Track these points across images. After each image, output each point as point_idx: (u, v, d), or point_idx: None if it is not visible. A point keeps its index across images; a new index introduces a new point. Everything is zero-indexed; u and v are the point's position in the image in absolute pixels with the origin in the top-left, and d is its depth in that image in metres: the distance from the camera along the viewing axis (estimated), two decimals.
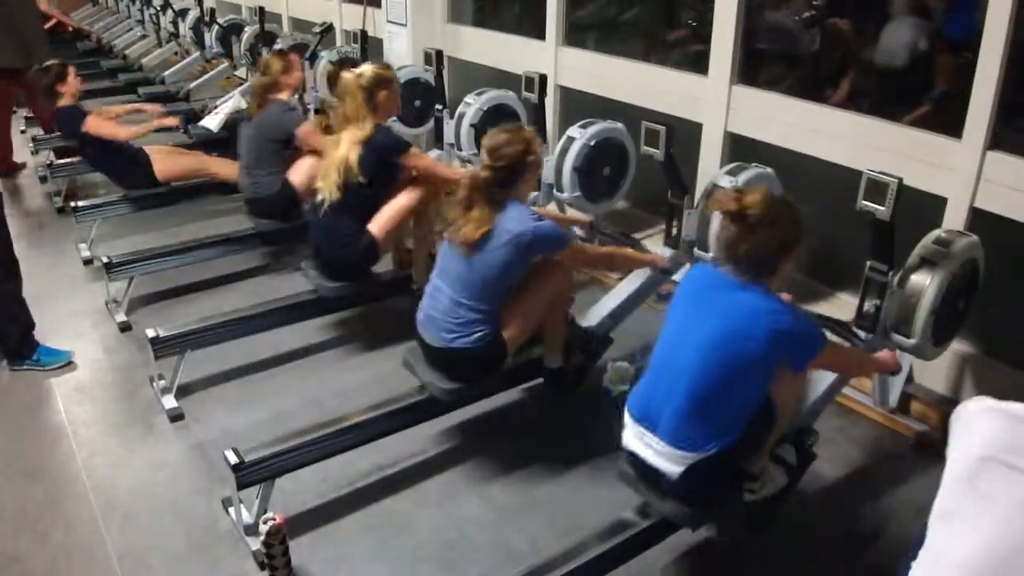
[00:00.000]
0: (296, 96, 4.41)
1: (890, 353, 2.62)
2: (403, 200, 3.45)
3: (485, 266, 2.61)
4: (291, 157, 4.13)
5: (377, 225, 3.39)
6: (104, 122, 4.71)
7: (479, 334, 2.65)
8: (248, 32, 6.66)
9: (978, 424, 1.32)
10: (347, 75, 3.37)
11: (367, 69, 3.40)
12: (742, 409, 2.11)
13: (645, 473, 2.22)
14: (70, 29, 7.99)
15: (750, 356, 2.05)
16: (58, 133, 6.03)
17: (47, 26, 6.09)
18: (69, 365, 3.45)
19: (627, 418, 2.25)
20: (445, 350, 2.69)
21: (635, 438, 2.22)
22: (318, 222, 3.40)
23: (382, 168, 3.34)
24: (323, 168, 3.39)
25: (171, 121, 5.19)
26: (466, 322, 2.65)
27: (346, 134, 3.33)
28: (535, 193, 4.16)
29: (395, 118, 5.02)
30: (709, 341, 2.08)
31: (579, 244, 2.93)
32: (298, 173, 4.05)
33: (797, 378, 2.26)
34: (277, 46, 6.27)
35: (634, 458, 2.23)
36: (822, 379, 2.73)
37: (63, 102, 4.79)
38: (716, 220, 3.23)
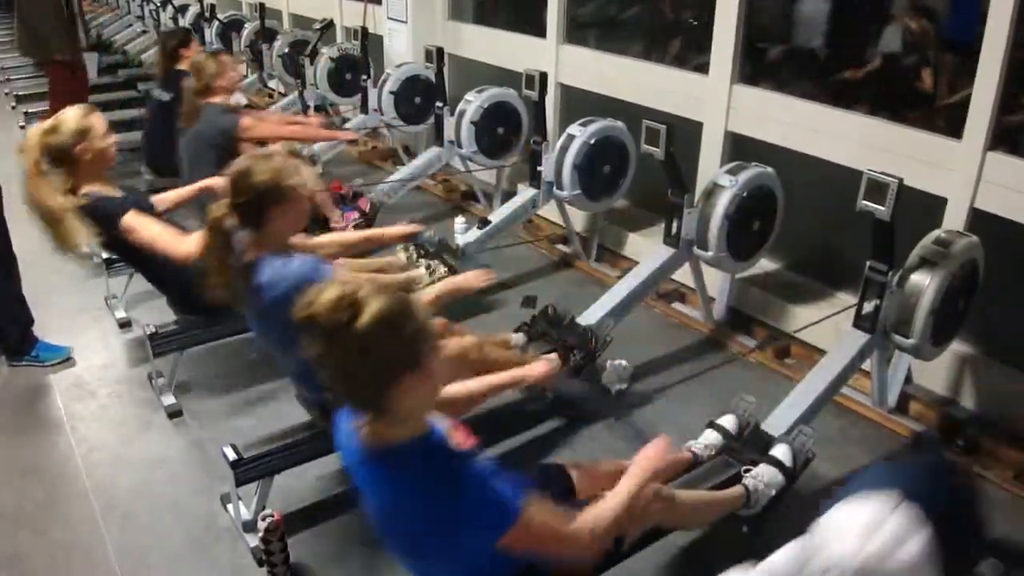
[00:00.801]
0: (233, 99, 4.04)
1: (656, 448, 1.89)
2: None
3: (276, 334, 2.33)
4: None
5: None
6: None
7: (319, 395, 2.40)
8: (248, 28, 6.66)
9: None
10: (30, 133, 2.92)
11: (61, 124, 2.90)
12: None
13: None
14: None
15: (428, 552, 1.61)
16: None
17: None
18: (68, 361, 3.44)
19: None
20: (308, 399, 2.59)
21: None
22: None
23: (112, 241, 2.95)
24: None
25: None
26: (305, 377, 2.38)
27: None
28: (535, 191, 4.17)
29: (394, 116, 5.02)
30: (390, 541, 1.67)
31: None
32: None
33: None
34: (282, 41, 6.29)
35: None
36: (820, 380, 2.73)
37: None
38: (718, 217, 3.24)
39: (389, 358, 1.45)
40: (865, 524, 0.94)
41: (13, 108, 6.92)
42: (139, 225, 2.91)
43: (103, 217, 2.90)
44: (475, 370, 2.41)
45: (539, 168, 4.13)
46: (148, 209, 3.08)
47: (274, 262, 2.28)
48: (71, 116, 2.93)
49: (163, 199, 3.32)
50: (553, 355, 2.90)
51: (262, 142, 3.77)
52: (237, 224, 2.26)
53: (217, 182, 2.85)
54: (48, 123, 2.93)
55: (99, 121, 2.99)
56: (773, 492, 2.35)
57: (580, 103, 4.64)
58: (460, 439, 1.66)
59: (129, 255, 3.18)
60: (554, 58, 4.75)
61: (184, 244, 2.85)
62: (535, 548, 1.60)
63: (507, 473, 1.62)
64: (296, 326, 1.53)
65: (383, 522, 1.64)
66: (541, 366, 2.40)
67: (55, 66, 5.62)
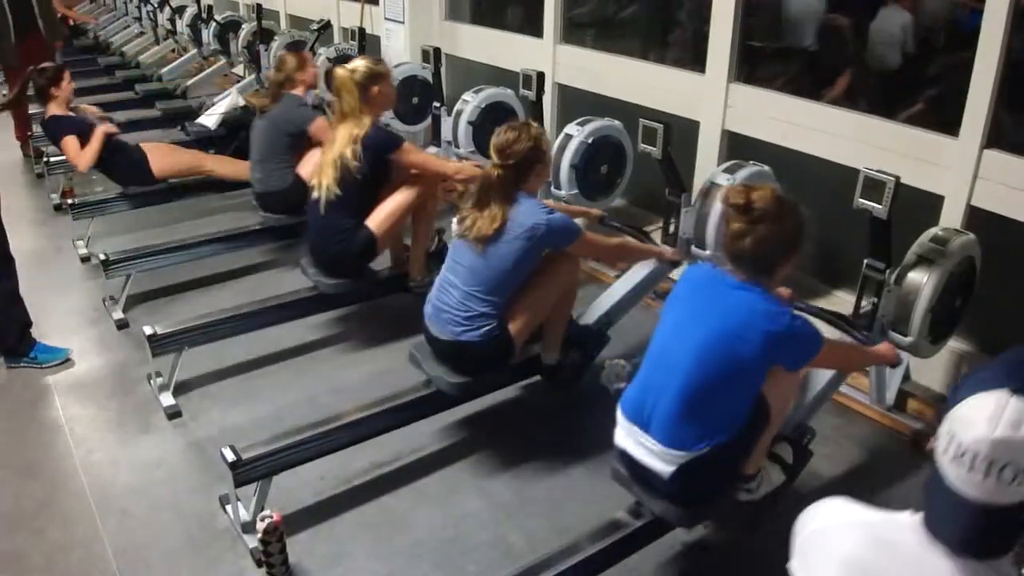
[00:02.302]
0: (311, 94, 4.44)
1: (889, 346, 2.61)
2: (401, 197, 3.45)
3: (499, 259, 2.64)
4: (302, 152, 4.13)
5: (375, 222, 3.39)
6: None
7: (487, 327, 2.68)
8: (245, 29, 6.65)
9: (826, 546, 1.33)
10: (340, 71, 3.35)
11: (360, 64, 3.39)
12: (735, 409, 2.09)
13: (637, 472, 2.21)
14: (71, 22, 7.88)
15: (745, 357, 2.03)
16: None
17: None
18: (66, 362, 3.44)
19: (619, 416, 2.25)
20: (453, 343, 2.71)
21: (627, 437, 2.22)
22: (315, 219, 3.40)
23: (377, 164, 3.33)
24: (320, 165, 3.39)
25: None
26: (475, 315, 2.68)
27: (341, 130, 3.33)
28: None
29: (392, 114, 5.05)
30: (705, 341, 2.06)
31: (589, 235, 2.93)
32: (308, 167, 4.04)
33: (792, 378, 2.23)
34: (279, 42, 6.29)
35: (626, 457, 2.23)
36: (820, 377, 2.73)
37: (54, 110, 4.58)
38: (716, 216, 3.24)
39: (793, 241, 2.08)
40: (991, 410, 1.12)
41: None
42: (413, 150, 3.50)
43: (385, 141, 3.37)
44: None
45: None
46: None
47: (536, 204, 2.70)
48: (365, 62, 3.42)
49: None
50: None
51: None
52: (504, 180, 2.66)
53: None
54: (349, 65, 3.39)
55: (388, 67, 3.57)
56: (771, 489, 2.35)
57: (577, 103, 4.64)
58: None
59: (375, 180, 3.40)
60: (551, 58, 4.75)
61: (448, 165, 3.65)
62: (830, 362, 2.50)
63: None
64: (527, 259, 2.66)
65: (719, 329, 2.05)
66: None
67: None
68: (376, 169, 3.33)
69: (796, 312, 2.12)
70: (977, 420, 1.13)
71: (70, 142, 4.46)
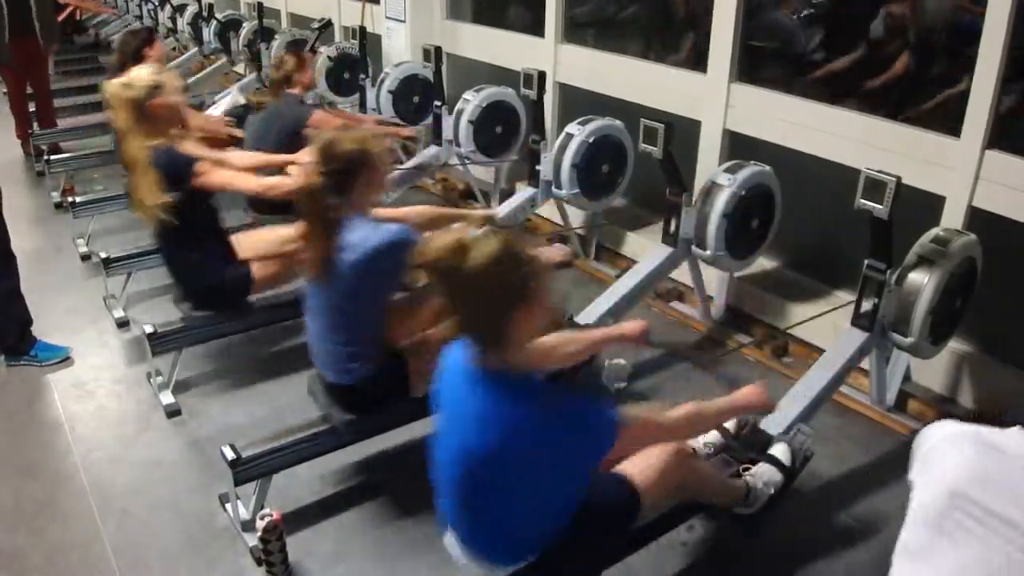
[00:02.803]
0: (309, 95, 4.41)
1: (753, 389, 2.14)
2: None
3: (338, 298, 2.38)
4: (297, 150, 4.12)
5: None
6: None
7: (364, 371, 2.45)
8: (246, 28, 6.65)
9: (945, 454, 1.27)
10: (111, 87, 2.97)
11: (138, 76, 2.98)
12: (541, 519, 1.82)
13: None
14: (79, 16, 7.73)
15: (517, 469, 1.70)
16: (56, 128, 6.05)
17: (63, 15, 6.08)
18: (66, 361, 3.44)
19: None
20: (336, 386, 2.53)
21: (451, 543, 1.96)
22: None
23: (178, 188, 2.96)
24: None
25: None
26: (345, 358, 2.44)
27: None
28: (534, 190, 4.16)
29: (392, 113, 5.04)
30: (469, 459, 1.73)
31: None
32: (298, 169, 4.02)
33: (639, 443, 1.89)
34: (280, 40, 6.30)
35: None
36: (818, 378, 2.73)
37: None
38: (717, 216, 3.24)
39: (504, 292, 1.63)
40: None
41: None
42: (210, 169, 3.02)
43: (174, 166, 2.97)
44: None
45: (538, 167, 4.13)
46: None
47: (364, 224, 2.38)
48: (145, 72, 3.03)
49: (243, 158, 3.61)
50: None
51: None
52: (326, 189, 2.35)
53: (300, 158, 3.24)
54: (124, 78, 3.01)
55: (173, 78, 3.11)
56: (772, 491, 2.34)
57: (578, 102, 4.63)
58: None
59: (184, 230, 3.06)
60: (552, 57, 4.74)
61: (257, 182, 3.10)
62: (640, 444, 1.92)
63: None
64: (370, 287, 2.23)
65: (478, 443, 1.70)
66: (634, 325, 2.44)
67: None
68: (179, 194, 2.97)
69: (567, 401, 1.75)
70: None
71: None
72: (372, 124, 4.94)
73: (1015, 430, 1.20)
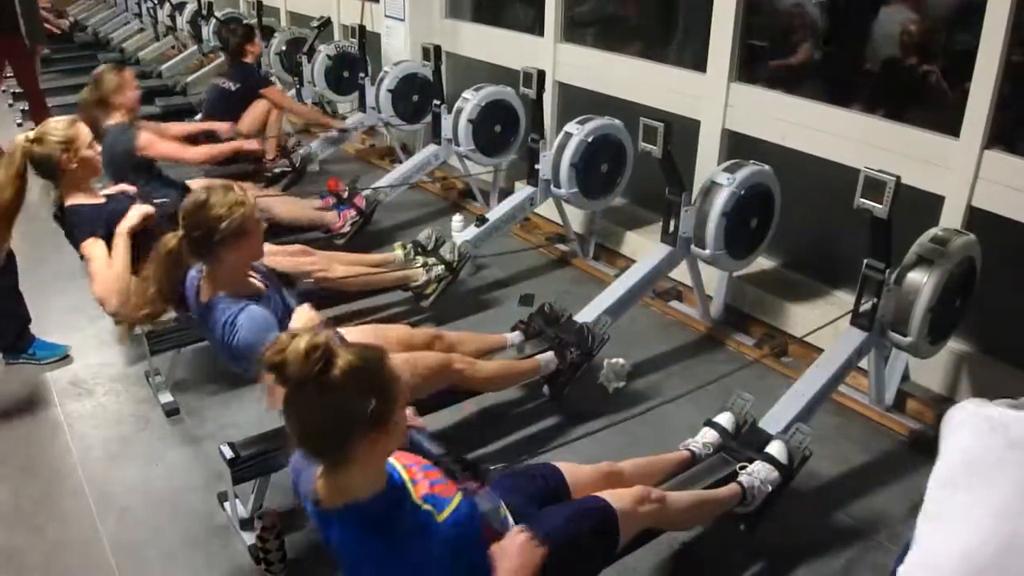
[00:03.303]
0: (130, 118, 3.91)
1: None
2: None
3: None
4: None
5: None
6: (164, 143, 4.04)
7: None
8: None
9: (963, 429, 1.32)
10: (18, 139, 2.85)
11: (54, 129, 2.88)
12: None
13: None
14: (56, 32, 7.63)
15: None
16: None
17: None
18: (65, 359, 3.44)
19: None
20: None
21: None
22: None
23: None
24: None
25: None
26: None
27: None
28: (532, 189, 4.17)
29: (392, 112, 5.06)
30: None
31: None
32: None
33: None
34: (279, 38, 6.29)
35: None
36: (817, 378, 2.73)
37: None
38: (716, 216, 3.24)
39: (354, 412, 1.44)
40: None
41: (10, 106, 6.90)
42: (90, 255, 2.92)
43: (72, 232, 3.00)
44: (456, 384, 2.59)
45: (537, 166, 4.13)
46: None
47: (228, 307, 2.24)
48: (57, 126, 2.90)
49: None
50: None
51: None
52: (190, 255, 2.26)
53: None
54: (33, 132, 2.89)
55: (84, 130, 2.97)
56: (769, 489, 2.35)
57: (578, 101, 4.63)
58: (419, 477, 1.62)
59: None
60: (552, 56, 4.74)
61: (104, 288, 2.81)
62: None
63: (478, 506, 1.68)
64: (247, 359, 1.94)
65: (342, 565, 1.64)
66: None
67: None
68: None
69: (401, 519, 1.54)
70: None
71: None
72: (308, 113, 5.47)
73: None
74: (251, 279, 2.42)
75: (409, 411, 2.15)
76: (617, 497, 1.97)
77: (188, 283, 2.40)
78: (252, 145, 4.52)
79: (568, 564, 1.84)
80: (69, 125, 2.94)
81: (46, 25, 6.14)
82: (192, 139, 4.37)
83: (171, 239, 2.26)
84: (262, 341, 1.84)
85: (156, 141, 3.84)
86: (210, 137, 4.56)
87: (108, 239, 2.93)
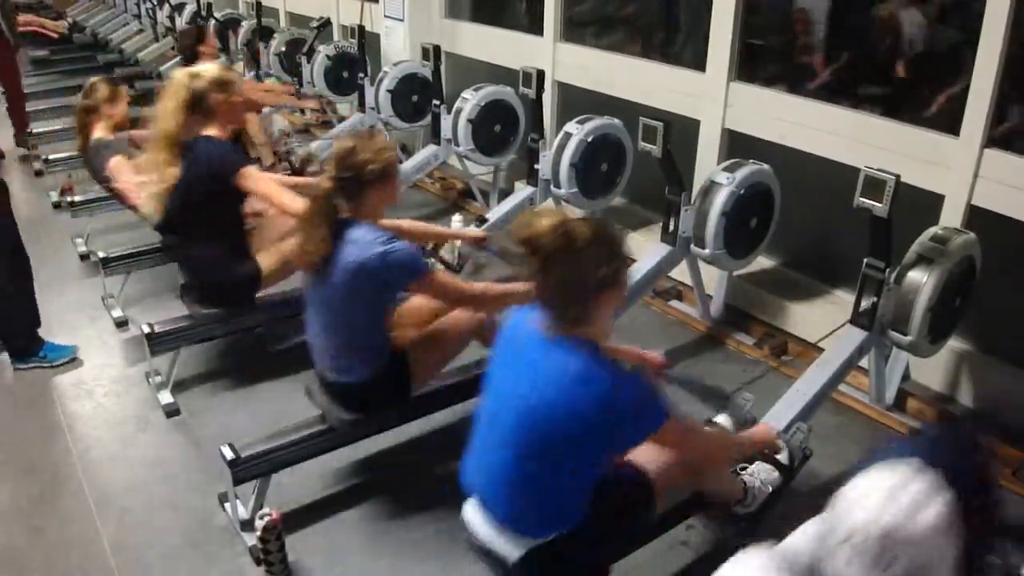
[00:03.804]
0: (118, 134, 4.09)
1: (766, 429, 2.35)
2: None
3: (338, 298, 2.37)
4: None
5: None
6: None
7: (364, 371, 2.46)
8: (245, 27, 6.65)
9: None
10: (178, 73, 3.04)
11: (208, 69, 3.07)
12: (578, 491, 1.82)
13: (484, 551, 1.95)
14: (55, 36, 7.59)
15: (568, 436, 1.73)
16: (29, 129, 6.03)
17: (21, 29, 6.06)
18: (74, 360, 3.43)
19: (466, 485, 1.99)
20: (336, 385, 2.52)
21: (473, 511, 1.97)
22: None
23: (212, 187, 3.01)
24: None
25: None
26: (345, 357, 2.45)
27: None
28: (532, 189, 4.17)
29: (392, 112, 5.05)
30: (520, 416, 1.77)
31: (440, 277, 2.51)
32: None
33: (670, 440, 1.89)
34: (279, 39, 6.29)
35: (474, 532, 1.97)
36: (817, 377, 2.73)
37: (99, 133, 4.10)
38: (715, 215, 3.24)
39: (594, 275, 1.71)
40: (887, 489, 0.98)
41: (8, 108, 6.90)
42: (254, 174, 3.02)
43: (224, 162, 3.00)
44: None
45: (536, 166, 4.13)
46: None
47: (370, 230, 2.36)
48: (213, 67, 3.11)
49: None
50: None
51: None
52: (336, 194, 2.38)
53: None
54: (192, 70, 3.08)
55: (237, 76, 3.23)
56: (770, 489, 2.35)
57: (577, 101, 4.63)
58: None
59: (205, 224, 3.12)
60: (551, 56, 4.74)
61: (296, 202, 2.90)
62: (679, 446, 1.92)
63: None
64: (370, 292, 2.29)
65: (543, 402, 1.74)
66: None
67: None
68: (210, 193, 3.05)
69: (631, 375, 1.78)
70: (871, 496, 0.97)
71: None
72: (272, 90, 5.48)
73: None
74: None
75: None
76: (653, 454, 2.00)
77: None
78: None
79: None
80: (224, 69, 3.13)
81: (42, 29, 6.12)
82: None
83: (324, 182, 2.38)
84: (419, 257, 2.38)
85: (123, 169, 3.84)
86: None
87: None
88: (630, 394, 1.74)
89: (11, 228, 3.29)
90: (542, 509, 1.83)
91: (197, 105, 3.02)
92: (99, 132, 4.04)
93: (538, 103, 4.11)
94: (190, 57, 4.75)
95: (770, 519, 2.40)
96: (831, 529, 1.02)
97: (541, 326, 1.77)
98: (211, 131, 3.05)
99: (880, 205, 2.62)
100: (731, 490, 2.28)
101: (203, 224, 3.11)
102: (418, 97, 5.18)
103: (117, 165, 3.85)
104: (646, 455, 1.97)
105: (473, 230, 3.11)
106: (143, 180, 3.23)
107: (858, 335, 2.83)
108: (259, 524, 2.27)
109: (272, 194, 2.98)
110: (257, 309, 3.34)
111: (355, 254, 2.30)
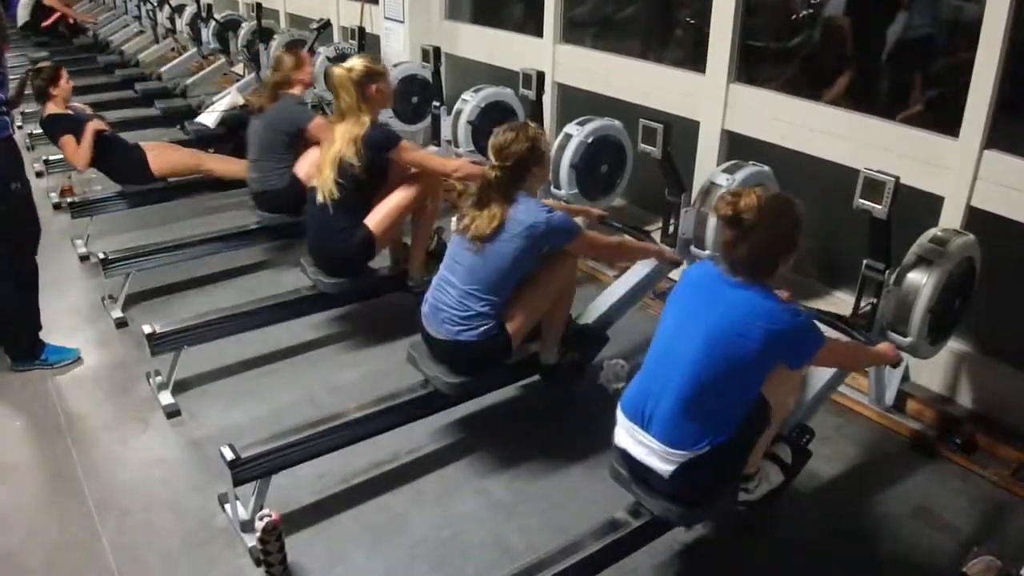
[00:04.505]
0: (310, 92, 4.52)
1: (889, 345, 2.61)
2: (400, 196, 3.44)
3: (498, 257, 2.66)
4: (300, 151, 4.14)
5: (374, 220, 3.38)
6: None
7: (485, 327, 2.69)
8: (245, 28, 6.64)
9: None
10: (338, 70, 3.35)
11: (358, 63, 3.39)
12: (736, 408, 2.10)
13: (637, 472, 2.22)
14: (71, 21, 7.65)
15: (747, 355, 2.04)
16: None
17: (48, 22, 6.03)
18: (77, 362, 3.43)
19: (619, 415, 2.26)
20: (451, 342, 2.72)
21: (627, 435, 2.22)
22: (315, 217, 3.40)
23: (376, 163, 3.33)
24: (318, 164, 3.40)
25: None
26: (473, 315, 2.68)
27: (340, 129, 3.34)
28: None
29: (391, 113, 5.05)
30: (706, 339, 2.07)
31: (588, 234, 2.95)
32: (305, 167, 4.04)
33: (793, 378, 2.24)
34: (278, 40, 6.29)
35: (626, 456, 2.23)
36: (819, 376, 2.73)
37: (53, 108, 4.60)
38: (713, 222, 3.24)
39: (791, 242, 2.12)
40: None
41: None
42: (412, 147, 3.50)
43: (384, 140, 3.36)
44: None
45: None
46: None
47: (534, 202, 2.72)
48: (362, 60, 3.42)
49: None
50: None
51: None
52: (501, 180, 2.68)
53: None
54: (344, 64, 3.41)
55: (385, 67, 3.55)
56: (770, 489, 2.35)
57: (577, 102, 4.63)
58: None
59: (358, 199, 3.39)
60: (551, 57, 4.74)
61: (444, 163, 3.60)
62: (830, 361, 2.51)
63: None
64: (525, 255, 2.65)
65: (725, 322, 2.06)
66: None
67: None
68: (375, 168, 3.33)
69: (797, 309, 2.13)
70: None
71: (68, 141, 4.48)
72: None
73: None
74: None
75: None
76: None
77: None
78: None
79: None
80: (373, 60, 3.45)
81: (66, 12, 6.04)
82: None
83: (490, 171, 2.69)
84: (573, 221, 2.77)
85: (325, 128, 3.90)
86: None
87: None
88: (801, 325, 2.10)
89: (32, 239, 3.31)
90: (706, 423, 2.09)
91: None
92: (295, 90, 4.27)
93: (538, 104, 4.11)
94: (42, 96, 4.66)
95: (770, 519, 2.40)
96: None
97: (727, 273, 2.12)
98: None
99: (879, 207, 2.62)
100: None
101: (354, 198, 3.36)
102: (418, 98, 5.17)
103: (321, 123, 4.08)
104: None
105: (661, 246, 3.40)
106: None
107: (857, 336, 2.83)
108: (259, 525, 2.28)
109: (426, 161, 3.55)
110: (255, 311, 3.40)
111: (522, 219, 2.64)
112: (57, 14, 6.73)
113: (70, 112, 4.68)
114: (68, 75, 4.72)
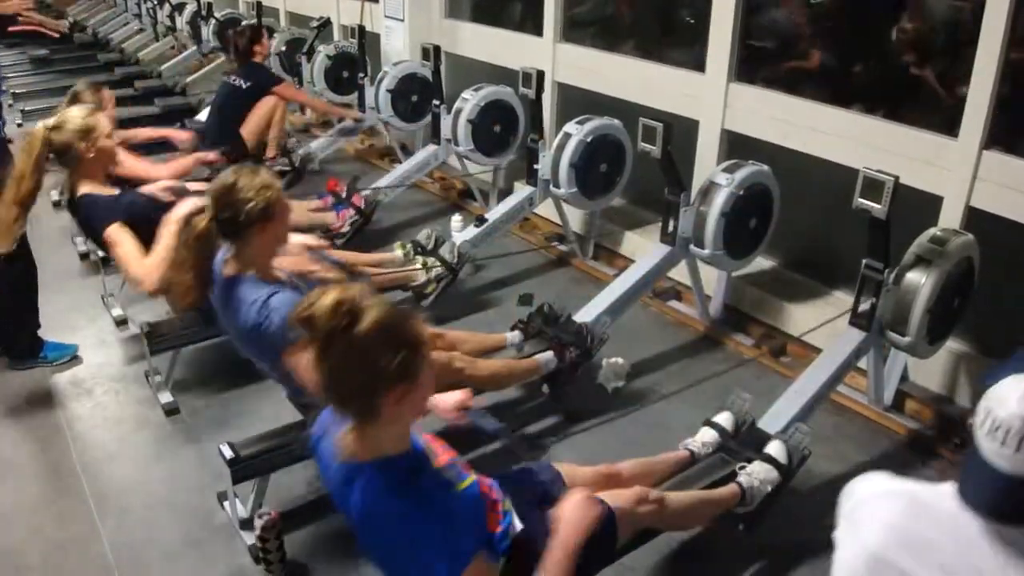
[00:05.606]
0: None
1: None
2: None
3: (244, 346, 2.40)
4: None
5: None
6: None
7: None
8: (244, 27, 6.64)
9: (871, 511, 1.32)
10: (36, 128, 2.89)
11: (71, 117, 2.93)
12: None
13: None
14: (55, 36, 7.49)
15: (416, 559, 1.54)
16: None
17: (15, 28, 5.99)
18: (75, 359, 3.43)
19: None
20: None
21: None
22: None
23: None
24: None
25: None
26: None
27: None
28: (532, 189, 4.17)
29: (392, 112, 5.07)
30: (372, 557, 1.70)
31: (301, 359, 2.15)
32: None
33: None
34: (279, 39, 6.30)
35: None
36: (817, 377, 2.74)
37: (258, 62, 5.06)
38: (715, 216, 3.24)
39: (383, 366, 1.46)
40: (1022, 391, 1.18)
41: (10, 106, 6.90)
42: (118, 240, 2.90)
43: (89, 219, 3.01)
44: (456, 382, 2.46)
45: (536, 166, 4.13)
46: (142, 208, 3.06)
47: (256, 289, 2.26)
48: (77, 114, 2.96)
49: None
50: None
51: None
52: (219, 236, 2.29)
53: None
54: (52, 120, 2.94)
55: (103, 120, 3.04)
56: (769, 489, 2.35)
57: (577, 101, 4.64)
58: (439, 452, 1.69)
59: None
60: (551, 56, 4.74)
61: (145, 270, 2.79)
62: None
63: (485, 494, 1.74)
64: (274, 345, 2.03)
65: (360, 529, 1.65)
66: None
67: None
68: None
69: (428, 486, 1.57)
70: (1011, 398, 1.19)
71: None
72: (323, 106, 5.76)
73: (947, 487, 1.27)
74: (275, 271, 2.40)
75: (465, 393, 2.24)
76: (615, 497, 1.97)
77: (215, 264, 2.40)
78: (211, 156, 4.36)
79: None
80: (89, 114, 2.98)
81: (42, 28, 6.06)
82: (147, 146, 4.52)
83: (200, 221, 2.27)
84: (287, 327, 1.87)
85: (125, 160, 3.73)
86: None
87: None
88: (440, 512, 1.54)
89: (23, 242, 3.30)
90: None
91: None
92: None
93: (538, 103, 4.11)
94: (245, 55, 5.07)
95: (769, 519, 2.41)
96: (979, 424, 1.21)
97: (339, 448, 1.58)
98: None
99: (879, 206, 2.62)
100: (716, 511, 2.30)
101: None
102: (418, 97, 5.18)
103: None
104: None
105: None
106: None
107: (857, 336, 2.83)
108: (258, 523, 2.28)
109: (125, 259, 2.88)
110: None
111: (245, 318, 2.24)
112: (30, 28, 6.65)
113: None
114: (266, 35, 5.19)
